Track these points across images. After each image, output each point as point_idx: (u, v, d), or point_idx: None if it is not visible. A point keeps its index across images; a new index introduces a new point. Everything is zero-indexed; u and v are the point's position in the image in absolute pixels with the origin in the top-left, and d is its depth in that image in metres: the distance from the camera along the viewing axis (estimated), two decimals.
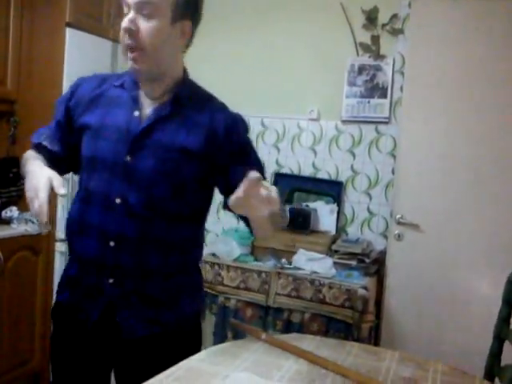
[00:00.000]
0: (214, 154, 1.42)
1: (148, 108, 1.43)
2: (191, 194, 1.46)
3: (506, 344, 1.77)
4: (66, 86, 2.79)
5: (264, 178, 1.30)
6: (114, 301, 1.44)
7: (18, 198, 2.88)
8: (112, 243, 1.40)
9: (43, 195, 1.26)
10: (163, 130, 1.41)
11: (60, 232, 2.83)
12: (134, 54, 1.35)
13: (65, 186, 1.31)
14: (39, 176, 1.30)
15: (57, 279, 2.82)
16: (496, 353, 1.78)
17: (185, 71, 1.49)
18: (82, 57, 2.85)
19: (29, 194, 1.29)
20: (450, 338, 2.65)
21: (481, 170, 2.63)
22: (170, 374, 1.28)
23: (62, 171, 1.45)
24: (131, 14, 1.33)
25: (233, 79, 3.30)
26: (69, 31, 2.77)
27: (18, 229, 2.68)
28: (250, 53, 3.28)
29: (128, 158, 1.39)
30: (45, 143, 1.51)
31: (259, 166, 1.47)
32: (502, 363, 1.76)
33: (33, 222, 2.72)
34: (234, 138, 1.45)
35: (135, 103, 1.43)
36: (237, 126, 1.48)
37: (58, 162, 1.49)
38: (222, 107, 1.49)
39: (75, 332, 1.49)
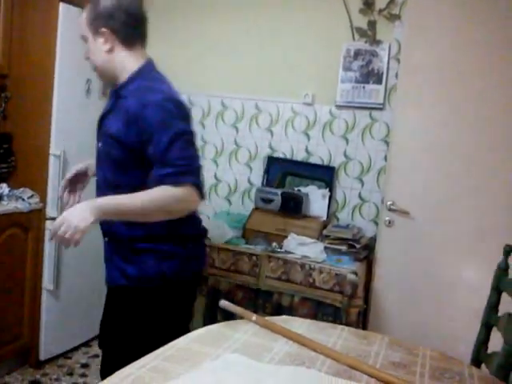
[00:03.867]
0: (130, 135, 1.64)
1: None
2: (130, 170, 1.68)
3: (493, 331, 1.79)
4: (58, 63, 2.76)
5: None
6: None
7: (8, 175, 2.85)
8: None
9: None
10: (108, 119, 1.75)
11: (50, 210, 2.82)
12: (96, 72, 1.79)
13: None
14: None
15: (46, 257, 2.85)
16: (483, 339, 1.79)
17: (142, 67, 1.73)
18: (74, 32, 2.79)
19: None
20: (437, 324, 2.67)
21: (474, 158, 2.63)
22: (160, 353, 1.28)
23: None
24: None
25: (228, 63, 3.27)
26: (62, 6, 2.72)
27: (8, 206, 2.67)
28: (245, 36, 3.24)
29: (99, 145, 1.79)
30: None
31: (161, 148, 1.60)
32: (489, 351, 1.78)
33: (23, 200, 2.70)
34: (140, 121, 1.61)
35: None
36: (145, 110, 1.61)
37: None
38: (143, 95, 1.64)
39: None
